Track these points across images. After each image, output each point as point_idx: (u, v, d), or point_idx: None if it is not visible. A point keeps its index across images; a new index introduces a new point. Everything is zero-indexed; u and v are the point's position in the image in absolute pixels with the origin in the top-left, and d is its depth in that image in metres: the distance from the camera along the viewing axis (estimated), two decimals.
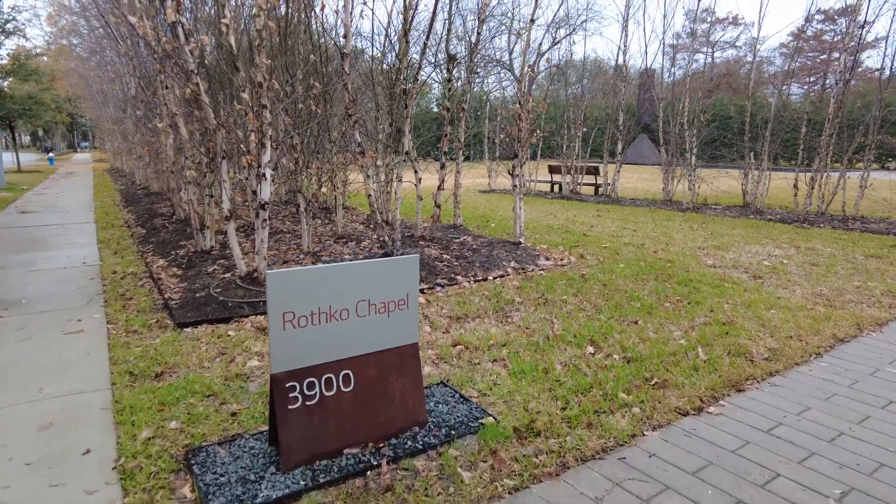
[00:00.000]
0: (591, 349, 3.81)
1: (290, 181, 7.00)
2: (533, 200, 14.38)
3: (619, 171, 14.94)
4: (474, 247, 6.91)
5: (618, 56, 14.10)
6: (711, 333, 4.10)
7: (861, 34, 9.96)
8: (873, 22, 9.82)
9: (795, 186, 10.79)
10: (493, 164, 17.82)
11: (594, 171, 16.39)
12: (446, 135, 6.56)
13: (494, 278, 5.75)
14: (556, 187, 17.27)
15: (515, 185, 6.93)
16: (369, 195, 5.65)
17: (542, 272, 6.03)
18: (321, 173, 6.91)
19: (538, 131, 7.23)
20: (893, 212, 10.97)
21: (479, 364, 3.61)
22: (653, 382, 3.28)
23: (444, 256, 6.30)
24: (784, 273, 6.15)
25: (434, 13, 5.71)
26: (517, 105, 6.65)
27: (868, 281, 5.88)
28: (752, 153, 12.45)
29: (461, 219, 8.50)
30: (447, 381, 3.35)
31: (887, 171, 16.06)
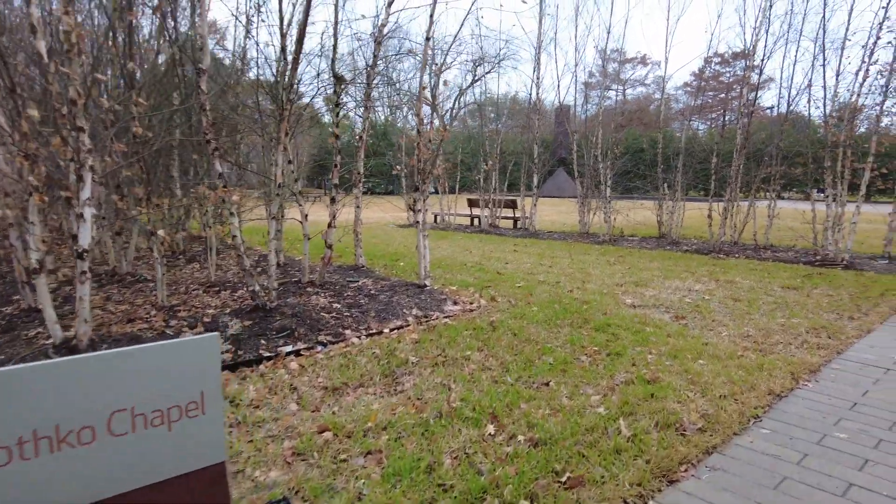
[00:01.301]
0: (491, 428, 3.03)
1: (125, 220, 5.93)
2: (451, 235, 13.77)
3: (535, 205, 14.65)
4: (373, 292, 6.06)
5: (531, 90, 13.85)
6: (635, 396, 3.43)
7: (759, 74, 10.15)
8: (764, 64, 10.04)
9: (709, 217, 10.74)
10: (409, 197, 17.19)
11: (512, 205, 16.07)
12: (336, 165, 5.76)
13: (391, 331, 4.91)
14: (476, 221, 16.82)
15: (418, 222, 6.19)
16: (234, 236, 4.71)
17: (447, 320, 5.26)
18: (184, 208, 5.90)
19: (439, 163, 6.57)
20: (799, 240, 11.12)
21: (346, 461, 2.73)
22: (565, 478, 2.52)
23: (335, 306, 5.40)
24: (707, 311, 5.70)
25: (303, 25, 4.94)
26: (416, 133, 5.97)
27: (791, 317, 5.51)
28: (665, 184, 12.44)
29: (363, 259, 7.65)
30: (293, 494, 2.45)
31: (791, 201, 16.77)
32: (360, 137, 6.98)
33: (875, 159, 8.88)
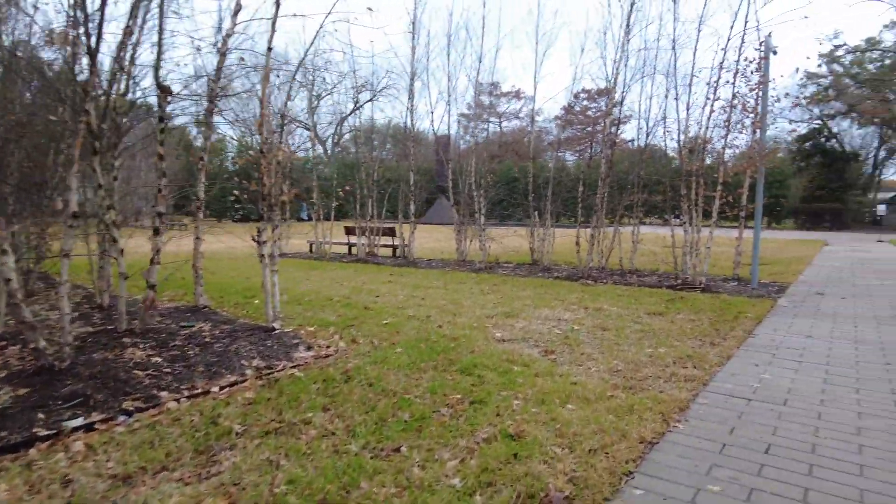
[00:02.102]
0: None
1: None
2: (324, 266, 12.92)
3: (413, 232, 14.26)
4: (208, 339, 5.17)
5: (406, 118, 13.53)
6: (496, 459, 2.95)
7: (620, 105, 10.58)
8: (624, 96, 10.52)
9: (577, 244, 10.91)
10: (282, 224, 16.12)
11: (391, 233, 15.58)
12: (160, 190, 4.88)
13: (222, 389, 4.09)
14: (354, 249, 16.09)
15: (263, 255, 5.42)
16: (7, 279, 3.68)
17: (294, 371, 4.52)
18: None
19: (289, 189, 5.89)
20: (662, 264, 11.64)
21: None
22: None
23: (154, 360, 4.47)
24: (577, 343, 5.47)
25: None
26: (259, 153, 5.24)
27: (658, 346, 5.42)
28: (535, 212, 12.59)
29: (204, 298, 6.67)
30: None
31: (653, 226, 17.86)
32: (201, 159, 6.10)
33: (723, 188, 9.47)
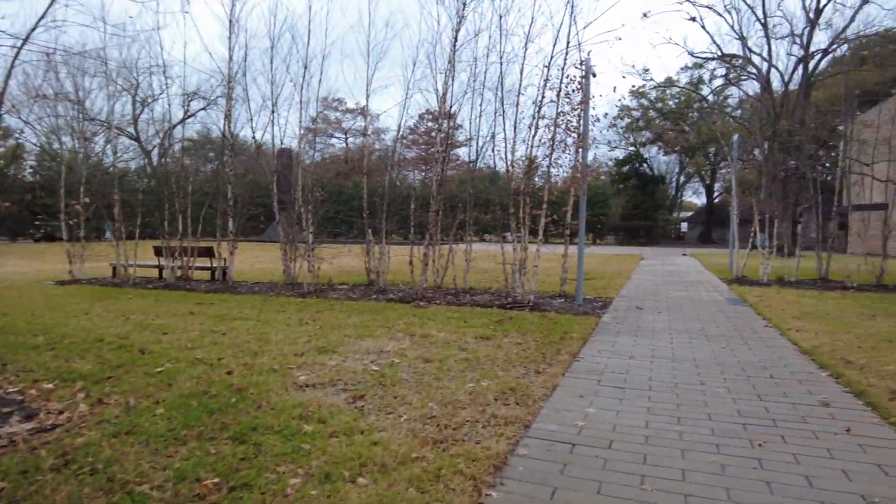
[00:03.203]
0: None
1: None
2: (121, 294, 10.89)
3: (233, 252, 12.72)
4: None
5: (224, 125, 12.05)
6: None
7: (448, 119, 10.25)
8: (453, 109, 10.24)
9: (410, 263, 10.32)
10: (73, 246, 13.58)
11: (208, 253, 13.81)
12: None
13: None
14: (166, 273, 14.00)
15: None
16: None
17: None
18: None
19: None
20: (494, 282, 11.50)
21: None
22: None
23: None
24: (393, 383, 4.72)
25: None
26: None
27: (482, 378, 4.87)
28: (370, 229, 11.84)
29: None
30: None
31: (485, 243, 18.02)
32: None
33: (549, 206, 9.48)
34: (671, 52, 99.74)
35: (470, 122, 11.42)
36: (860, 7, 25.87)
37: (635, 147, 57.04)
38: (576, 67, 8.93)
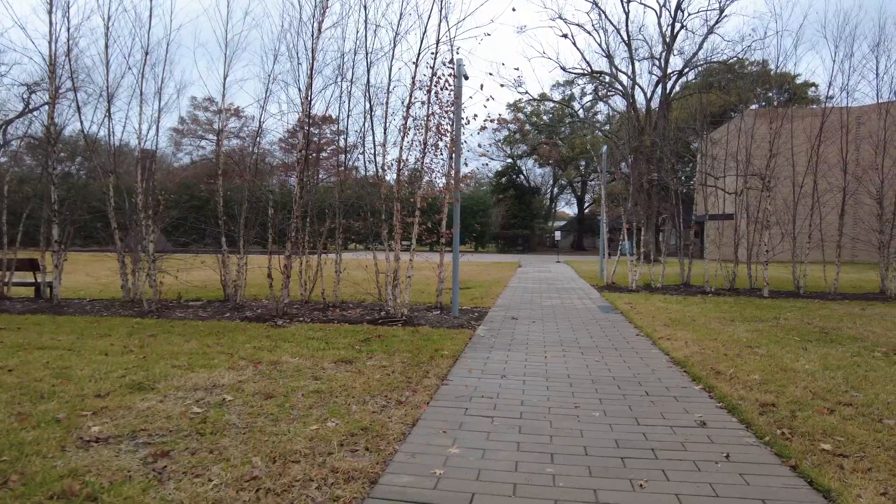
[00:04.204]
0: None
1: None
2: None
3: (60, 265, 10.77)
4: None
5: (47, 115, 10.14)
6: None
7: (308, 117, 9.33)
8: (312, 103, 9.34)
9: (269, 276, 9.22)
10: None
11: (32, 266, 11.64)
12: None
13: None
14: None
15: None
16: None
17: None
18: None
19: None
20: (367, 295, 10.69)
21: None
22: None
23: None
24: (215, 429, 3.77)
25: None
26: None
27: (330, 417, 4.05)
28: (224, 238, 10.55)
29: None
30: None
31: (357, 252, 17.03)
32: None
33: (422, 214, 8.87)
34: (545, 66, 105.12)
35: (338, 123, 10.53)
36: (706, 36, 28.47)
37: (513, 159, 59.00)
38: (445, 65, 8.42)
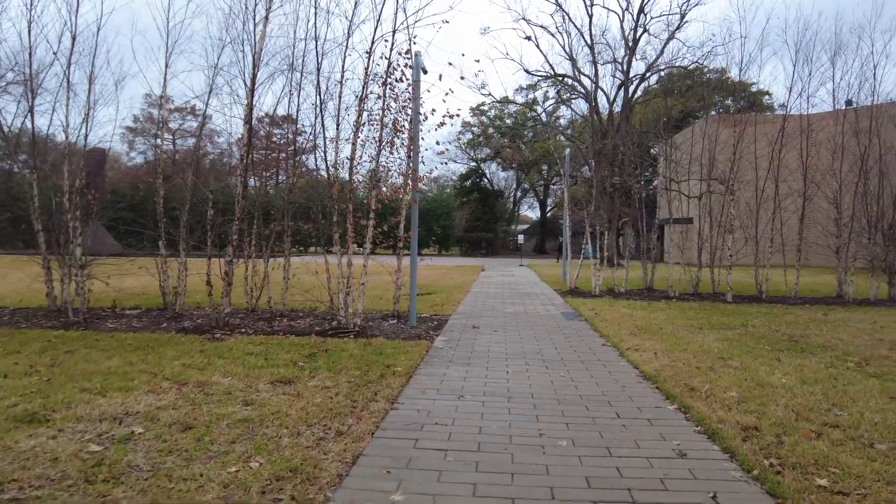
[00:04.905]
0: None
1: None
2: None
3: None
4: None
5: None
6: None
7: (252, 113, 8.62)
8: (259, 98, 8.63)
9: (208, 283, 8.47)
10: None
11: None
12: None
13: None
14: None
15: None
16: None
17: None
18: None
19: None
20: (318, 303, 10.01)
21: None
22: None
23: None
24: (108, 476, 3.10)
25: None
26: None
27: (255, 456, 3.43)
28: (165, 241, 9.72)
29: None
30: None
31: (303, 256, 16.20)
32: None
33: (377, 216, 8.28)
34: (509, 68, 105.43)
35: (296, 123, 9.85)
36: (667, 41, 28.70)
37: (476, 162, 58.84)
38: (401, 55, 7.85)
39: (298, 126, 11.18)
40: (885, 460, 3.45)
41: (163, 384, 5.05)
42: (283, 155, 14.87)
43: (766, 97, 37.26)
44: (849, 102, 14.32)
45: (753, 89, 34.46)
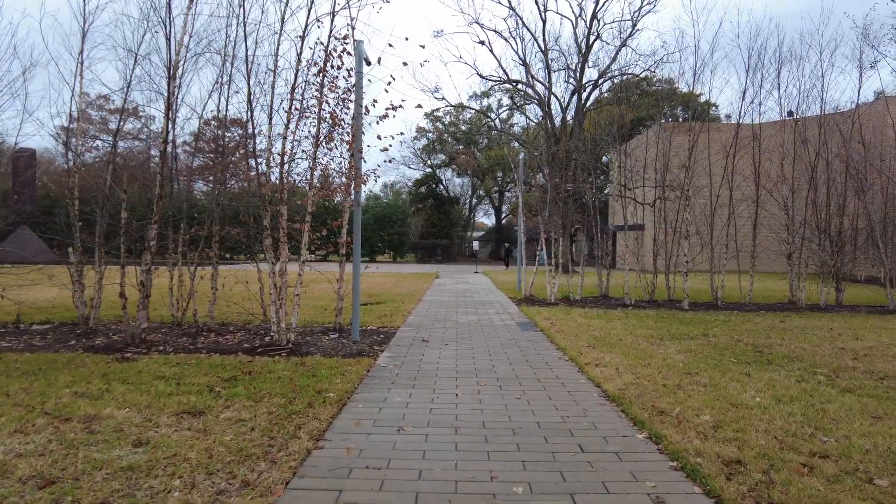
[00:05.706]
0: None
1: None
2: None
3: None
4: None
5: None
6: None
7: (176, 105, 7.74)
8: (176, 95, 7.71)
9: (122, 295, 7.49)
10: None
11: None
12: None
13: None
14: None
15: None
16: None
17: None
18: None
19: None
20: (252, 317, 9.13)
21: None
22: None
23: None
24: None
25: None
26: None
27: None
28: (76, 248, 8.64)
29: None
30: None
31: (241, 264, 15.24)
32: None
33: (312, 219, 7.50)
34: (462, 72, 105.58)
35: (218, 110, 8.99)
36: (619, 48, 28.88)
37: (432, 168, 58.30)
38: (338, 39, 7.12)
39: (228, 122, 10.36)
40: (892, 500, 2.95)
41: (38, 421, 4.15)
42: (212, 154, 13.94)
43: (714, 108, 38.20)
44: (790, 113, 14.43)
45: (702, 100, 35.26)
